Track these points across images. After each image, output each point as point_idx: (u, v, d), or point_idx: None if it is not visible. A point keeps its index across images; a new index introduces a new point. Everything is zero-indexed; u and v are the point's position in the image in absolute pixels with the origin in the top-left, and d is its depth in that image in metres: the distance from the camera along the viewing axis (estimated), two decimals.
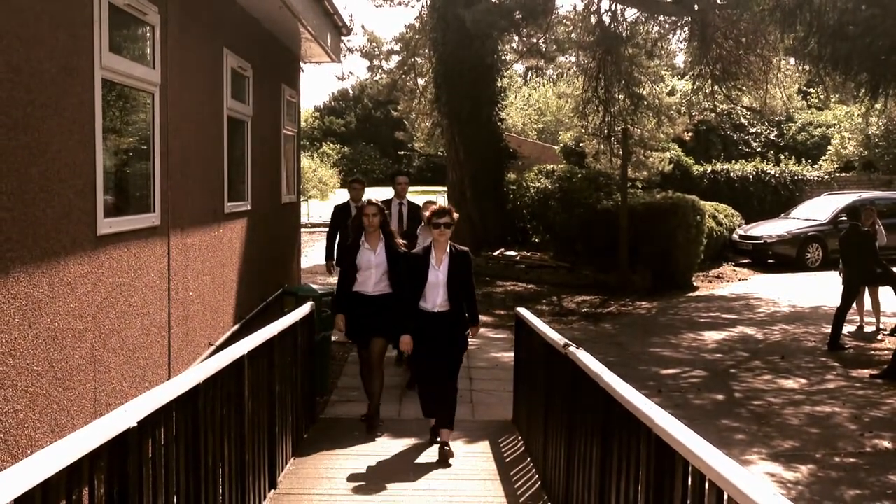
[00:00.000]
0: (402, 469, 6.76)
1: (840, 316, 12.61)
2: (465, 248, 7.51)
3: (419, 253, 7.51)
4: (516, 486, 6.54)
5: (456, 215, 7.37)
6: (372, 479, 6.53)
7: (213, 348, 7.82)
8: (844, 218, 14.50)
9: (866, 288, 13.56)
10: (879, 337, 13.50)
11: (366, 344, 8.00)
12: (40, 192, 4.61)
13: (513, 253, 19.82)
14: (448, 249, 7.31)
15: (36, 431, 4.49)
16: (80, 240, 5.10)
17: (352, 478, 6.52)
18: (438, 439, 7.24)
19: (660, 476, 3.56)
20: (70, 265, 4.96)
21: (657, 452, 3.58)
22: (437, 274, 7.25)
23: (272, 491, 6.14)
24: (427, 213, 7.51)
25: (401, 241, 8.10)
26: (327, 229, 11.33)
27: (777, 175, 27.70)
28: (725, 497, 2.81)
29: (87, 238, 5.21)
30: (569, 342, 5.68)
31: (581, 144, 23.77)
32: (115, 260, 5.68)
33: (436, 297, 7.26)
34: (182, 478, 4.13)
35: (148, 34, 6.45)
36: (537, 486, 6.52)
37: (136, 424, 3.49)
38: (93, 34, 5.29)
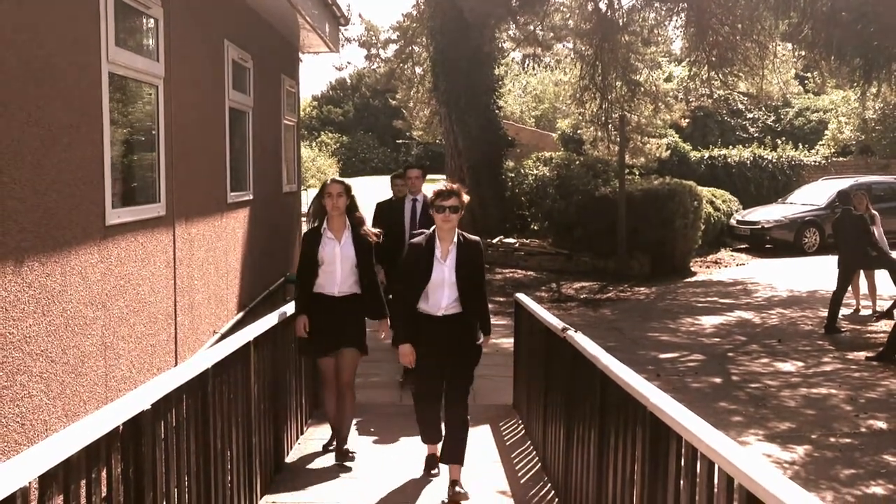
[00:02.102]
0: (408, 452, 6.89)
1: (836, 300, 12.74)
2: (476, 238, 6.04)
3: (420, 242, 5.94)
4: (517, 468, 6.67)
5: (466, 197, 5.93)
6: (376, 463, 6.67)
7: (217, 336, 7.95)
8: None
9: (862, 271, 13.70)
10: (874, 318, 13.65)
11: (325, 353, 6.62)
12: (52, 184, 4.73)
13: (511, 240, 19.94)
14: (455, 239, 5.86)
15: (50, 416, 4.62)
16: (89, 230, 5.23)
17: (357, 461, 6.66)
18: (448, 478, 6.08)
19: (655, 452, 3.69)
20: (81, 254, 5.09)
21: (652, 430, 3.70)
22: (443, 269, 5.80)
23: (278, 474, 6.28)
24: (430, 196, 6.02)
25: (371, 230, 6.70)
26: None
27: (774, 160, 27.82)
28: (716, 468, 2.94)
29: (96, 228, 5.33)
30: (567, 326, 5.79)
31: (579, 132, 23.89)
32: (123, 249, 5.80)
33: (441, 297, 5.84)
34: (193, 459, 4.27)
35: (152, 27, 6.56)
36: (538, 467, 6.65)
37: (149, 407, 3.62)
38: (99, 29, 5.40)
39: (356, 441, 7.17)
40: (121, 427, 3.35)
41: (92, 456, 3.10)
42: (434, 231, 5.94)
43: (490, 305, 6.67)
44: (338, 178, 6.66)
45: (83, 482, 3.03)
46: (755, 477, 2.60)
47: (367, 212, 7.33)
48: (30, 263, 4.45)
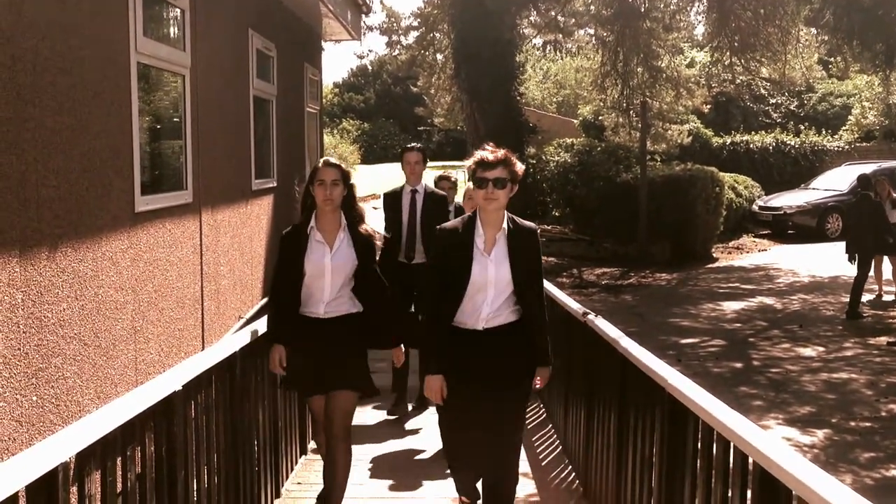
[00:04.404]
0: (423, 436, 7.00)
1: (858, 285, 12.74)
2: (532, 226, 4.53)
3: (455, 227, 4.43)
4: (538, 451, 6.76)
5: (519, 167, 4.35)
6: (394, 447, 6.78)
7: (243, 321, 8.06)
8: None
9: (886, 257, 13.67)
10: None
11: (312, 392, 4.98)
12: (83, 172, 4.85)
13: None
14: (505, 225, 4.35)
15: (84, 397, 4.75)
16: (119, 217, 5.35)
17: (375, 446, 6.77)
18: None
19: (673, 433, 3.76)
20: (111, 241, 5.21)
21: (670, 411, 3.78)
22: (488, 265, 4.26)
23: (303, 456, 6.40)
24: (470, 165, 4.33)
25: (373, 230, 5.05)
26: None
27: (797, 146, 27.68)
28: (732, 447, 3.01)
29: (126, 215, 5.45)
30: (588, 311, 5.84)
31: (600, 118, 23.87)
32: (152, 236, 5.92)
33: (481, 303, 4.28)
34: (221, 440, 4.39)
35: (178, 18, 6.67)
36: (558, 450, 6.73)
37: (181, 388, 3.74)
38: (128, 20, 5.51)
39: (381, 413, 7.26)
40: (155, 406, 3.46)
41: (127, 434, 3.21)
42: (475, 214, 4.41)
43: None
44: (333, 159, 4.97)
45: (119, 459, 3.15)
46: (769, 454, 2.67)
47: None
48: (63, 249, 4.58)
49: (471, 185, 4.39)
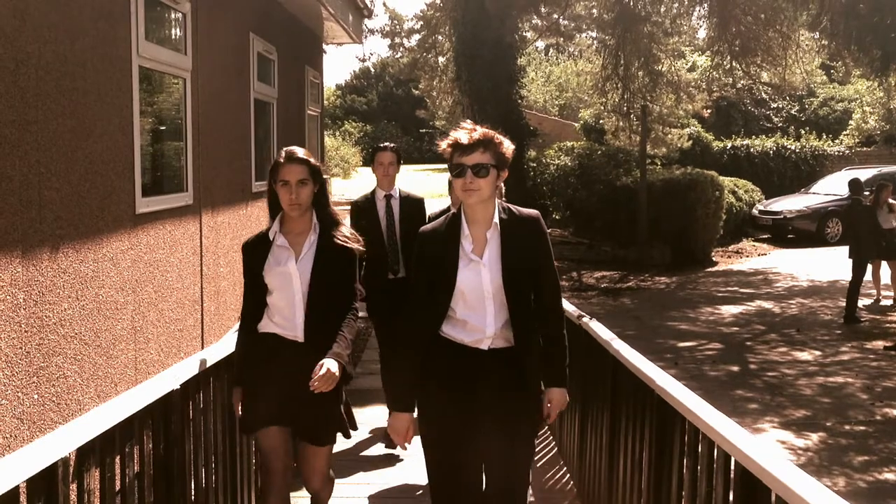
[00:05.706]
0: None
1: (853, 289, 12.78)
2: (533, 213, 3.62)
3: (437, 228, 3.58)
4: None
5: (507, 147, 3.50)
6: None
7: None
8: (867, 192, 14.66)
9: (885, 262, 13.71)
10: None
11: (270, 422, 4.04)
12: (85, 174, 4.92)
13: None
14: (496, 217, 3.51)
15: (84, 396, 4.82)
16: (120, 218, 5.42)
17: (373, 443, 6.83)
18: None
19: (662, 435, 3.82)
20: (112, 242, 5.28)
21: (659, 413, 3.84)
22: (480, 271, 3.45)
23: None
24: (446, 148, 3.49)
25: (349, 234, 4.09)
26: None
27: (797, 150, 27.74)
28: (716, 447, 3.08)
29: (127, 216, 5.52)
30: (583, 313, 5.90)
31: (601, 121, 23.93)
32: (153, 237, 5.99)
33: (484, 317, 3.45)
34: (219, 438, 4.44)
35: (180, 21, 6.74)
36: (553, 452, 6.79)
37: (179, 387, 3.80)
38: (130, 24, 5.59)
39: (379, 416, 7.31)
40: (153, 404, 3.53)
41: (126, 431, 3.28)
42: (460, 210, 3.58)
43: None
44: (301, 152, 4.00)
45: (118, 457, 3.21)
46: (750, 454, 2.73)
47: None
48: (65, 250, 4.65)
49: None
